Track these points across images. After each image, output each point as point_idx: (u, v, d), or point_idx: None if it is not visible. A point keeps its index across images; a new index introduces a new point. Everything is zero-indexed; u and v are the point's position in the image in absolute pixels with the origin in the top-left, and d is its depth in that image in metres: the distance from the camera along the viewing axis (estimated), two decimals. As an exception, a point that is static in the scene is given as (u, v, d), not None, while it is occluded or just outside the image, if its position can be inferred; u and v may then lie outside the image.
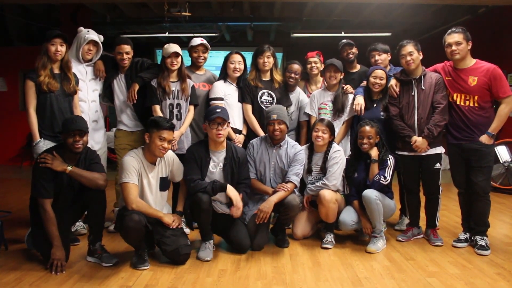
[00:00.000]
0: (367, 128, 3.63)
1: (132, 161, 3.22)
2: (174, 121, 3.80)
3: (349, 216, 3.71)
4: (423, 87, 3.69)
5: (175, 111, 3.88)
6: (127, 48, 3.95)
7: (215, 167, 3.50)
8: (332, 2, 7.33)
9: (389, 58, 4.26)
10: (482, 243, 3.58)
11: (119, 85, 4.02)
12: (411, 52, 3.69)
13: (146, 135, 3.27)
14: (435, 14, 7.98)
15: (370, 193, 3.56)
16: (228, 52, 4.14)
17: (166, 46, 3.85)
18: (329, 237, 3.71)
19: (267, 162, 3.74)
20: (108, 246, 3.42)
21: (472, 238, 3.70)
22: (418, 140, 3.66)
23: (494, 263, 3.34)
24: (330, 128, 3.75)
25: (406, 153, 3.77)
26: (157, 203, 3.39)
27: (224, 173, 3.50)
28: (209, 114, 3.44)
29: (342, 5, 7.64)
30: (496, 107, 3.59)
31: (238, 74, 4.03)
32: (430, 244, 3.76)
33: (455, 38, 3.57)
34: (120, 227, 3.19)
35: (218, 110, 3.42)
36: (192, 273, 3.10)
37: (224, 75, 4.06)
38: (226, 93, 3.99)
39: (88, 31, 3.91)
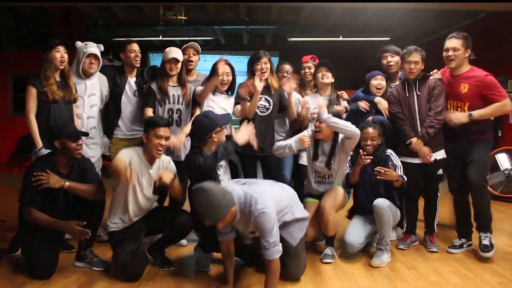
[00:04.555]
0: (370, 130, 3.53)
1: (130, 153, 3.14)
2: (174, 127, 3.72)
3: (355, 237, 3.52)
4: (418, 92, 3.66)
5: (175, 116, 3.80)
6: (137, 46, 3.94)
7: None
8: (330, 6, 7.23)
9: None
10: (486, 242, 3.53)
11: (130, 89, 3.91)
12: (417, 62, 3.63)
13: (144, 136, 3.20)
14: (435, 19, 7.91)
15: (383, 203, 3.41)
16: (219, 56, 3.95)
17: (167, 50, 3.79)
18: (329, 251, 3.53)
19: None
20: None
21: (478, 236, 3.63)
22: (413, 141, 3.61)
23: (496, 272, 3.31)
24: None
25: (410, 161, 3.67)
26: (147, 205, 3.28)
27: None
28: None
29: (340, 9, 7.55)
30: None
31: (226, 88, 3.85)
32: (428, 251, 3.73)
33: (453, 43, 3.52)
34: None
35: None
36: (191, 284, 3.06)
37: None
38: (218, 106, 3.80)
39: (85, 44, 3.78)
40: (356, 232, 3.55)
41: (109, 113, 3.96)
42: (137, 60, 3.92)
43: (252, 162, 3.91)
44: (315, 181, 3.63)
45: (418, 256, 3.64)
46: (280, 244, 2.67)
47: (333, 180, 3.58)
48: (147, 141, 3.17)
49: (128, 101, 3.91)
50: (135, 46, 3.92)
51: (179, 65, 3.78)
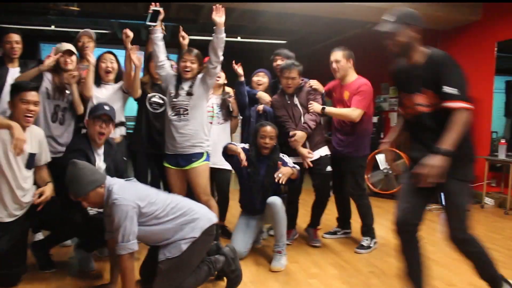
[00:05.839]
0: (269, 128, 3.56)
1: None
2: (56, 124, 3.61)
3: (242, 245, 3.54)
4: (297, 100, 3.88)
5: (60, 114, 3.64)
6: (17, 37, 3.68)
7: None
8: (228, 7, 7.31)
9: None
10: (364, 243, 3.93)
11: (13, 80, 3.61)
12: (294, 78, 3.81)
13: (9, 104, 2.97)
14: (327, 26, 8.30)
15: (278, 201, 3.44)
16: (117, 50, 3.93)
17: (58, 45, 3.66)
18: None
19: None
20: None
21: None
22: (297, 133, 3.77)
23: (369, 262, 3.61)
24: (199, 58, 3.55)
25: (294, 161, 3.75)
26: (20, 180, 2.96)
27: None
28: (95, 110, 3.22)
29: (238, 10, 7.66)
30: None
31: (111, 77, 3.77)
32: (309, 245, 3.96)
33: (335, 56, 3.85)
34: None
35: (106, 108, 3.18)
36: (73, 285, 2.98)
37: (97, 79, 3.76)
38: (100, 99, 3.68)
39: None
40: (242, 239, 3.59)
41: None
42: (15, 52, 3.68)
43: (145, 160, 3.88)
44: (174, 120, 3.47)
45: (301, 250, 3.83)
46: (133, 242, 2.54)
47: (188, 116, 3.45)
48: (14, 108, 2.92)
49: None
50: (13, 37, 3.67)
51: (74, 58, 3.66)
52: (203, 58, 3.60)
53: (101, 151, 3.26)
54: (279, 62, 4.14)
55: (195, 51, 3.56)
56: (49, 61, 3.52)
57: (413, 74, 2.47)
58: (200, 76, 3.53)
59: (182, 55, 3.55)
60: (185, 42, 4.04)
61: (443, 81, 2.31)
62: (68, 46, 3.66)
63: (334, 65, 3.84)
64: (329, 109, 3.86)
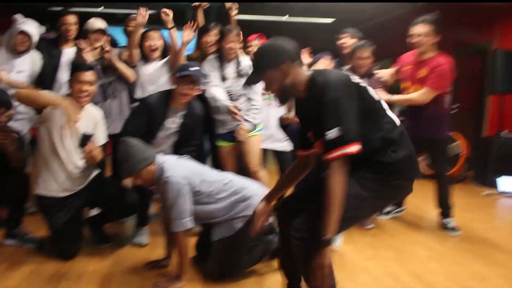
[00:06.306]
0: None
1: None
2: (110, 100, 3.71)
3: None
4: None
5: (109, 90, 3.71)
6: (73, 19, 3.84)
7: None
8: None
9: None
10: (449, 225, 3.78)
11: (69, 60, 3.70)
12: (368, 57, 3.68)
13: (68, 83, 3.04)
14: (377, 5, 8.03)
15: None
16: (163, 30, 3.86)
17: (91, 21, 3.79)
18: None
19: None
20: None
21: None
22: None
23: (426, 245, 3.49)
24: (239, 35, 3.58)
25: None
26: (73, 157, 3.02)
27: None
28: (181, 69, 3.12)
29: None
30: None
31: (157, 54, 3.69)
32: (365, 229, 3.85)
33: (420, 29, 3.53)
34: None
35: (191, 69, 3.07)
36: (129, 260, 3.03)
37: (143, 57, 3.72)
38: (147, 77, 3.68)
39: (23, 21, 3.65)
40: None
41: (45, 87, 3.74)
42: (70, 34, 3.79)
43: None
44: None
45: (355, 231, 3.71)
46: (188, 220, 2.53)
47: (241, 100, 3.54)
48: (71, 87, 3.01)
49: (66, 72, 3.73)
50: (69, 19, 3.78)
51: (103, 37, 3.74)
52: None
53: (179, 112, 3.19)
54: (345, 40, 4.02)
55: (236, 29, 3.53)
56: (89, 57, 3.59)
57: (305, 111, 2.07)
58: (243, 60, 3.53)
59: (224, 36, 3.50)
60: (233, 14, 3.99)
61: (321, 125, 1.87)
62: (100, 24, 3.75)
63: (416, 39, 3.54)
64: (397, 97, 3.71)
